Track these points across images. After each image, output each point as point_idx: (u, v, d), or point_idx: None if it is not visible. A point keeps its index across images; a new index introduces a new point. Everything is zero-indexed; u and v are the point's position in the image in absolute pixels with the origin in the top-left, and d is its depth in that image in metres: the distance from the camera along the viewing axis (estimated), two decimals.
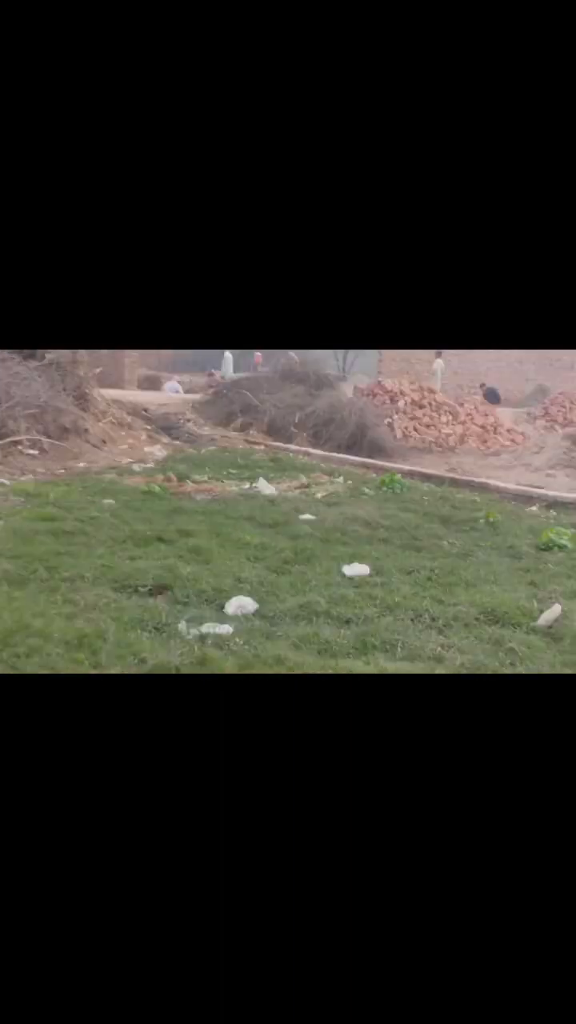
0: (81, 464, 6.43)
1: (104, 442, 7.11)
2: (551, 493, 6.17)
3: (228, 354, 15.37)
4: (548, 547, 4.19)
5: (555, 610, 2.94)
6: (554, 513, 5.53)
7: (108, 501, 4.81)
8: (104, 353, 9.12)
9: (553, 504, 5.80)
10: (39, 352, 7.00)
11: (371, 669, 2.36)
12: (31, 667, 2.18)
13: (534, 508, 5.71)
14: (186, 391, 12.72)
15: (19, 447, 6.33)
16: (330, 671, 2.34)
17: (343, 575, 3.43)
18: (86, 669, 2.20)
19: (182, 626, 2.62)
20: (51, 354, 7.06)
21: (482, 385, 13.27)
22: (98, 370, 8.30)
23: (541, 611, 2.98)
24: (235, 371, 14.67)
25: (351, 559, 3.68)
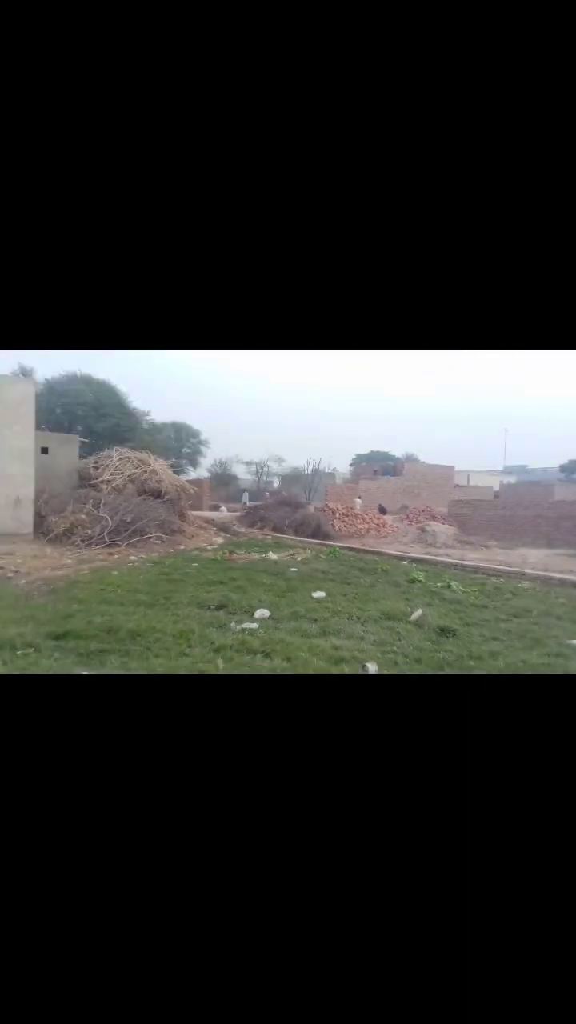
0: (181, 547, 10.10)
1: (192, 537, 12.72)
2: (411, 555, 10.16)
3: (245, 495, 27.00)
4: (412, 581, 6.59)
5: (418, 612, 4.73)
6: (414, 564, 8.80)
7: (195, 564, 7.32)
8: (194, 494, 15.34)
9: (413, 560, 9.46)
10: (163, 493, 13.02)
11: (327, 645, 3.66)
12: (156, 649, 3.42)
13: (404, 562, 9.01)
14: (229, 511, 20.27)
15: (151, 540, 10.46)
16: (306, 647, 3.58)
17: (312, 597, 5.25)
18: (183, 649, 3.43)
19: (232, 625, 4.02)
20: (168, 495, 13.06)
21: (380, 506, 21.97)
22: (190, 502, 14.34)
23: (411, 612, 4.70)
24: (253, 500, 22.77)
25: (316, 589, 5.64)
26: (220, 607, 4.79)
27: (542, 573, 8.05)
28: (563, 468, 39.87)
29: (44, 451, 12.19)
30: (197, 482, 21.15)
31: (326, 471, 35.77)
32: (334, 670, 3.29)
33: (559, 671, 3.60)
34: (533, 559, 10.97)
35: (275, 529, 14.21)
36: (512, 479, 36.95)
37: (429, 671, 3.44)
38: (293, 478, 34.77)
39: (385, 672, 3.30)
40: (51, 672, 2.79)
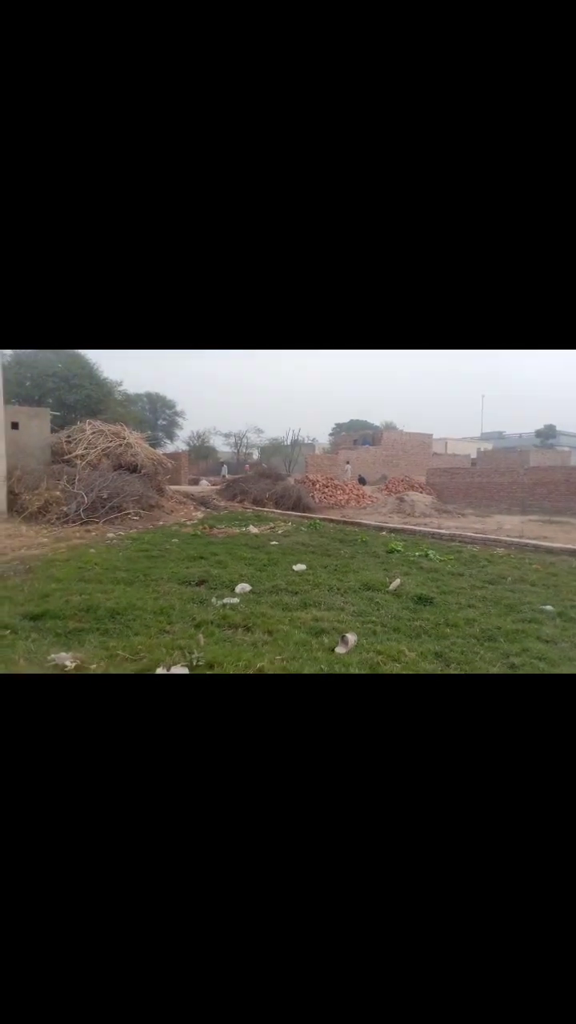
0: (160, 523, 9.79)
1: (172, 512, 12.58)
2: (390, 525, 9.93)
3: (225, 467, 27.45)
4: (391, 551, 6.67)
5: (397, 581, 4.79)
6: (393, 534, 8.87)
7: (174, 540, 7.11)
8: (171, 467, 15.12)
9: (392, 530, 9.35)
10: (139, 468, 12.77)
11: (308, 617, 3.68)
12: (136, 627, 3.39)
13: (383, 532, 8.92)
14: (211, 484, 20.11)
15: (129, 516, 10.14)
16: (287, 620, 3.61)
17: (293, 570, 5.20)
18: (164, 626, 3.42)
19: (214, 600, 4.05)
20: (145, 469, 12.81)
21: (359, 477, 22.63)
22: (168, 476, 14.13)
23: (390, 582, 4.79)
24: (232, 473, 22.88)
25: (297, 562, 5.64)
26: (201, 582, 4.77)
27: (517, 540, 8.28)
28: (539, 433, 40.47)
29: (14, 426, 11.74)
30: (175, 455, 20.80)
31: (306, 441, 35.73)
32: (314, 642, 3.36)
33: (531, 636, 3.75)
34: (508, 526, 11.23)
35: (255, 502, 14.00)
36: (488, 446, 37.46)
37: (407, 639, 3.55)
38: (273, 449, 34.53)
39: (364, 641, 3.37)
40: (49, 672, 2.75)
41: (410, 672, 2.89)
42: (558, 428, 40.60)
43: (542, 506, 15.14)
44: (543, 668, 3.11)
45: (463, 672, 2.93)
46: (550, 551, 7.40)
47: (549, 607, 4.39)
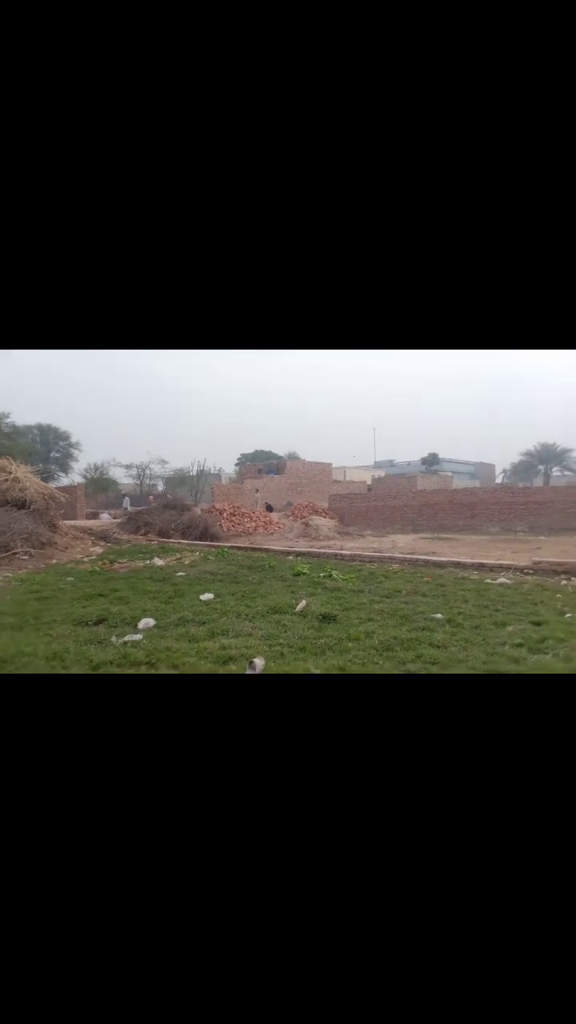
0: (54, 561, 9.64)
1: (66, 549, 11.79)
2: (297, 549, 10.63)
3: (126, 500, 25.46)
4: (297, 574, 7.01)
5: (303, 603, 5.08)
6: (299, 558, 9.24)
7: (70, 579, 7.09)
8: (65, 502, 14.14)
9: (298, 554, 9.89)
10: (28, 503, 11.79)
11: (216, 646, 3.69)
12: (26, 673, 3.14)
13: (290, 557, 9.46)
14: (113, 517, 18.94)
15: (17, 556, 10.59)
16: (194, 652, 3.56)
17: (200, 600, 5.39)
18: (58, 671, 3.25)
19: (113, 639, 3.99)
20: (35, 504, 11.85)
21: (267, 505, 23.75)
22: (62, 511, 13.19)
23: (296, 604, 5.05)
24: (135, 505, 22.16)
25: (204, 591, 5.79)
26: (99, 621, 4.60)
27: (409, 556, 8.97)
28: (424, 461, 44.47)
29: None
30: (69, 489, 19.51)
31: (212, 471, 35.67)
32: (222, 670, 3.34)
33: (424, 643, 4.02)
34: (402, 544, 12.26)
35: (161, 534, 13.91)
36: (382, 473, 40.33)
37: (312, 657, 3.65)
38: (178, 480, 33.91)
39: (272, 663, 3.41)
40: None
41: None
42: (440, 456, 45.00)
43: (430, 525, 16.59)
44: (435, 671, 3.41)
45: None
46: (438, 564, 8.08)
47: (439, 615, 4.74)
